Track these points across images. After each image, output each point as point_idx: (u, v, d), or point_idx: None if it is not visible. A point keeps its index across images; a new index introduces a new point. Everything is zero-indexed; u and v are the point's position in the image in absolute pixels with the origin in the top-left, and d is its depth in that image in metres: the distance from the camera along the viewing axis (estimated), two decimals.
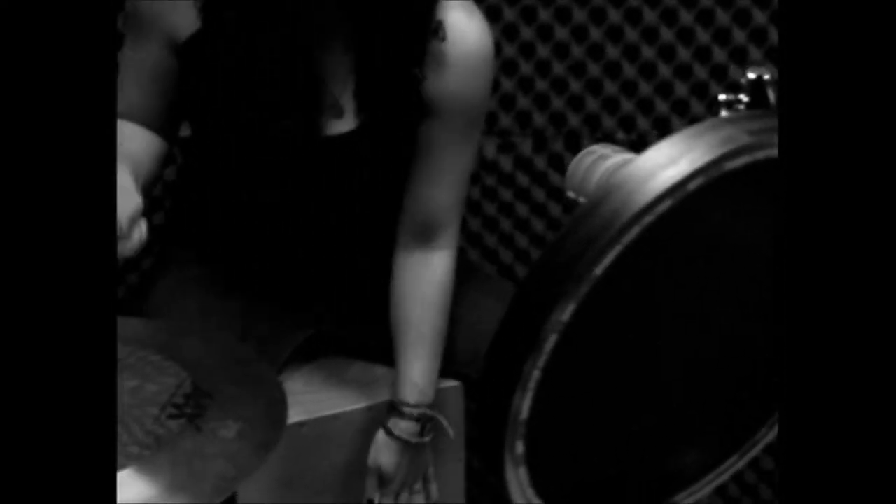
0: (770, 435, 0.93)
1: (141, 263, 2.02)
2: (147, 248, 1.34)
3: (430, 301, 1.51)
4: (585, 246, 0.64)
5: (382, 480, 1.49)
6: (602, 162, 0.89)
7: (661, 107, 1.98)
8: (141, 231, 1.29)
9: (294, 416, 1.53)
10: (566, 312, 0.65)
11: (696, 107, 1.96)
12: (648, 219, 0.66)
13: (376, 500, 1.48)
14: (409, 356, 1.51)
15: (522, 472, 0.74)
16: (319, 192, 1.52)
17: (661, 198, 0.64)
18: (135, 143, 1.42)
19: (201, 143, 1.58)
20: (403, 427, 1.49)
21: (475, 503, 1.81)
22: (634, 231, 0.66)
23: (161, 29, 1.41)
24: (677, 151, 0.65)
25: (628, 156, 0.89)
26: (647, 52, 1.96)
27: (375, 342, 1.65)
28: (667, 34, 1.94)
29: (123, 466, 0.89)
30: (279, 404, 1.03)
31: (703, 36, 1.93)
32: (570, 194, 0.92)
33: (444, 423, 1.52)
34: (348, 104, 1.43)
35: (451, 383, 1.60)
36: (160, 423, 0.96)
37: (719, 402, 0.87)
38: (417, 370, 1.50)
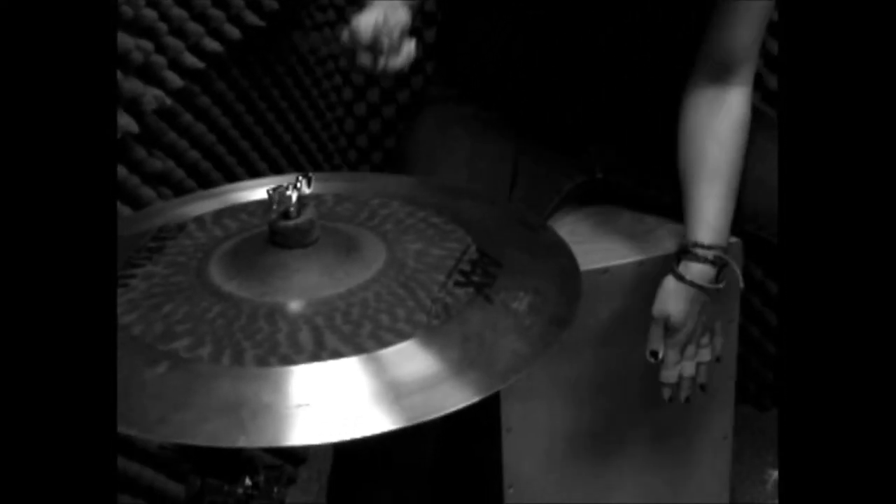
0: None
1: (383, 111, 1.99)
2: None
3: (727, 137, 1.38)
4: None
5: (669, 331, 1.38)
6: None
7: None
8: (409, 47, 1.25)
9: None
10: None
11: None
12: None
13: (661, 352, 1.38)
14: (704, 194, 1.38)
15: None
16: (599, 25, 1.42)
17: None
18: None
19: None
20: (696, 271, 1.36)
21: (744, 363, 1.71)
22: None
23: None
24: None
25: None
26: None
27: (651, 191, 1.55)
28: None
29: (410, 335, 0.84)
30: (572, 274, 0.95)
31: None
32: None
33: (737, 270, 1.40)
34: None
35: (731, 239, 1.47)
36: (447, 291, 0.90)
37: None
38: (712, 209, 1.37)
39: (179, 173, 1.48)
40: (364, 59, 1.24)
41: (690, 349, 1.38)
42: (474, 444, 1.59)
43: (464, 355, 0.83)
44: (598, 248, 1.52)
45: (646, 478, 1.62)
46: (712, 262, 1.35)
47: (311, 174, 0.93)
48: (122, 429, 0.77)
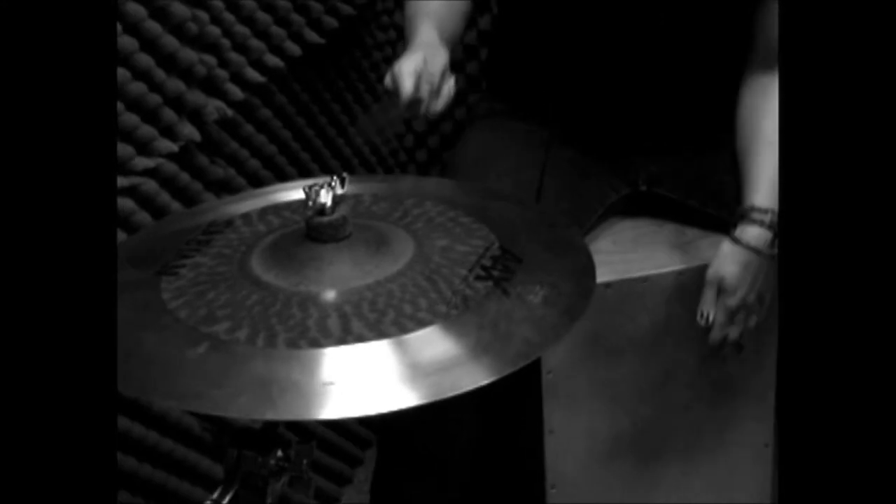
0: None
1: (440, 127, 2.06)
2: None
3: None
4: None
5: (721, 293, 1.42)
6: None
7: None
8: (449, 85, 1.31)
9: (600, 276, 1.51)
10: None
11: None
12: None
13: (711, 314, 1.41)
14: (759, 162, 1.42)
15: None
16: (644, 39, 1.47)
17: None
18: (438, 1, 1.42)
19: None
20: (752, 234, 1.39)
21: None
22: None
23: None
24: None
25: None
26: None
27: (693, 203, 1.59)
28: None
29: (430, 323, 0.91)
30: (588, 272, 1.01)
31: None
32: None
33: None
34: None
35: None
36: (468, 284, 0.97)
37: None
38: (767, 176, 1.41)
39: (240, 181, 1.57)
40: (408, 105, 1.29)
41: (741, 315, 1.42)
42: (517, 445, 1.64)
43: (478, 342, 0.90)
44: (639, 257, 1.57)
45: (687, 480, 1.66)
46: (768, 226, 1.39)
47: (345, 175, 1.00)
48: (163, 401, 0.85)
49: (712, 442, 1.65)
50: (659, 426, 1.62)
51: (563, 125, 1.59)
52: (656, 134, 1.59)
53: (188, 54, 1.39)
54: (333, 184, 0.99)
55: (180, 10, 1.36)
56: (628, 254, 1.58)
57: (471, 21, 1.95)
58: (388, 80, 1.28)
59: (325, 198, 0.98)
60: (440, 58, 1.30)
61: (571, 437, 1.59)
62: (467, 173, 1.55)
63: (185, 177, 1.43)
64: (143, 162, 1.34)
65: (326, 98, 1.86)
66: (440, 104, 1.29)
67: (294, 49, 1.66)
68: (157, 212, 1.36)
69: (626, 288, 1.53)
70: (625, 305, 1.54)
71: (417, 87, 1.24)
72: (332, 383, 0.86)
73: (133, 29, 1.30)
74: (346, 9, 1.81)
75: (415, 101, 1.24)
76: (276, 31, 1.62)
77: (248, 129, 1.61)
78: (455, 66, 1.99)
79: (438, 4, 1.45)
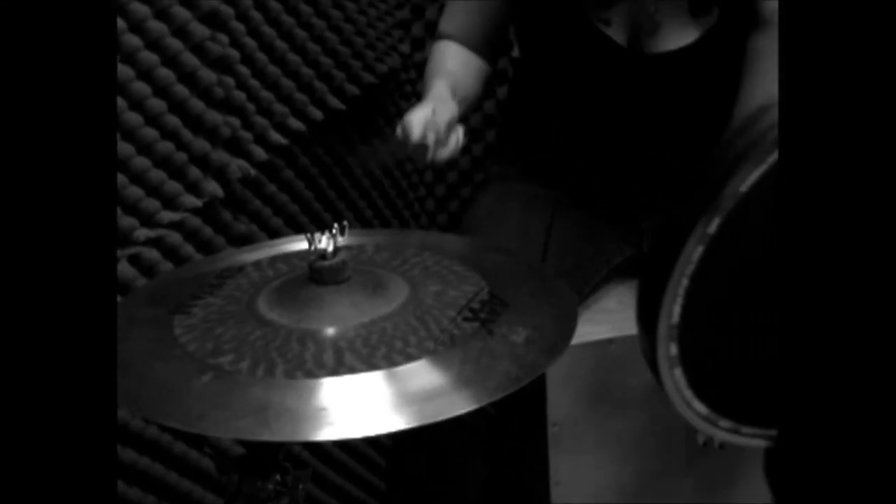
0: None
1: (447, 176, 2.16)
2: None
3: None
4: (734, 164, 0.68)
5: None
6: None
7: None
8: (458, 136, 1.40)
9: (604, 332, 1.58)
10: (712, 225, 0.69)
11: None
12: None
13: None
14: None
15: (678, 373, 0.77)
16: (648, 107, 1.54)
17: None
18: (455, 62, 1.52)
19: (529, 62, 1.66)
20: None
21: None
22: (774, 154, 0.68)
23: None
24: None
25: None
26: None
27: None
28: None
29: (418, 358, 0.99)
30: (570, 317, 1.08)
31: None
32: None
33: None
34: (682, 19, 1.43)
35: None
36: (456, 324, 1.04)
37: None
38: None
39: (262, 237, 1.66)
40: (415, 151, 1.38)
41: None
42: (524, 497, 1.70)
43: (461, 375, 0.97)
44: None
45: None
46: None
47: (345, 224, 1.09)
48: (168, 422, 0.93)
49: (717, 497, 1.68)
50: (664, 480, 1.66)
51: (570, 188, 1.68)
52: (660, 198, 1.66)
53: (214, 116, 1.50)
54: (334, 231, 1.08)
55: (207, 75, 1.47)
56: (631, 311, 1.63)
57: (490, 92, 2.06)
58: (399, 129, 1.37)
59: (326, 244, 1.07)
60: (448, 111, 1.39)
61: (577, 489, 1.63)
62: (477, 231, 1.63)
63: (208, 231, 1.53)
64: (168, 216, 1.44)
65: (349, 161, 1.96)
66: (445, 153, 1.37)
67: (316, 114, 1.76)
68: (181, 263, 1.45)
69: (629, 344, 1.59)
70: (628, 361, 1.59)
71: (424, 134, 1.33)
72: (324, 409, 0.93)
73: (163, 92, 1.40)
74: (368, 77, 1.91)
75: (420, 147, 1.32)
76: (300, 96, 1.72)
77: (271, 188, 1.70)
78: (475, 133, 2.11)
79: (455, 64, 1.55)
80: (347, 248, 1.16)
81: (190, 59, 1.44)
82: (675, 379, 0.79)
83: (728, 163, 0.69)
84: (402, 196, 2.14)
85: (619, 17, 1.45)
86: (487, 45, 1.57)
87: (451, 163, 1.98)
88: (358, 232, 1.29)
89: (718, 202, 0.69)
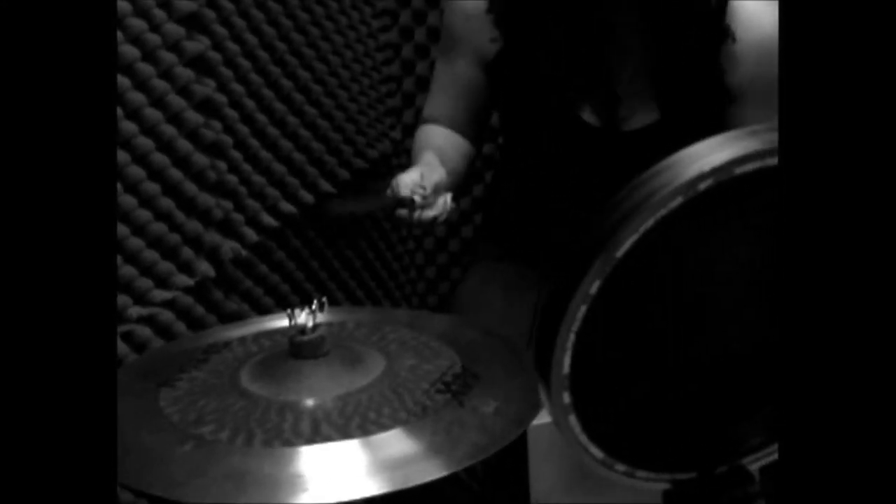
0: None
1: (437, 258, 2.21)
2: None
3: None
4: (611, 231, 0.76)
5: None
6: None
7: None
8: (445, 200, 1.45)
9: None
10: (593, 287, 0.77)
11: None
12: (662, 212, 0.76)
13: None
14: None
15: (572, 419, 0.83)
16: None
17: (673, 194, 0.76)
18: (441, 140, 1.59)
19: (511, 145, 1.72)
20: None
21: None
22: (649, 222, 0.76)
23: (470, 47, 1.56)
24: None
25: None
26: None
27: None
28: None
29: (391, 427, 1.03)
30: (537, 388, 1.13)
31: None
32: None
33: None
34: (648, 99, 1.50)
35: None
36: (428, 396, 1.09)
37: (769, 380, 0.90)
38: None
39: (253, 316, 1.71)
40: (401, 211, 1.45)
41: None
42: None
43: (431, 444, 1.02)
44: None
45: None
46: None
47: (324, 300, 1.14)
48: (149, 490, 0.98)
49: None
50: None
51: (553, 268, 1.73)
52: None
53: (207, 199, 1.56)
54: (314, 307, 1.13)
55: (200, 160, 1.53)
56: None
57: (479, 176, 2.13)
58: (388, 191, 1.43)
59: (306, 319, 1.12)
60: (436, 174, 1.45)
61: None
62: (463, 312, 1.69)
63: (200, 309, 1.58)
64: (160, 294, 1.49)
65: (340, 243, 2.02)
66: (431, 213, 1.43)
67: (308, 197, 1.83)
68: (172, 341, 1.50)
69: None
70: None
71: (412, 195, 1.39)
72: (300, 476, 0.98)
73: (157, 176, 1.47)
74: (359, 162, 1.98)
75: (408, 202, 1.38)
76: (291, 180, 1.79)
77: (263, 268, 1.76)
78: (464, 215, 2.17)
79: (441, 141, 1.62)
80: (329, 324, 1.22)
81: (184, 145, 1.51)
82: (571, 425, 0.86)
83: (606, 230, 0.77)
84: (393, 277, 2.19)
85: (594, 102, 1.51)
86: (471, 129, 1.64)
87: (441, 245, 2.04)
88: (341, 309, 1.35)
89: (598, 266, 0.77)
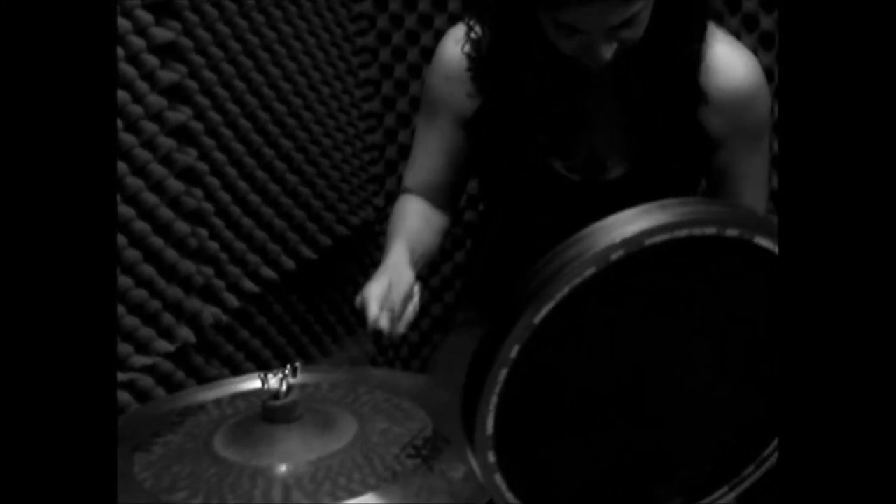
0: (757, 473, 0.95)
1: (420, 323, 2.23)
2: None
3: None
4: (530, 298, 0.81)
5: None
6: None
7: None
8: (414, 305, 1.45)
9: None
10: (513, 351, 0.82)
11: None
12: (576, 281, 0.81)
13: None
14: None
15: (498, 478, 0.87)
16: None
17: (586, 264, 0.81)
18: (415, 219, 1.61)
19: (490, 205, 1.75)
20: None
21: None
22: (565, 290, 0.81)
23: (450, 107, 1.60)
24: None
25: None
26: None
27: None
28: None
29: (362, 493, 1.05)
30: None
31: None
32: None
33: None
34: (622, 150, 1.53)
35: None
36: (399, 461, 1.11)
37: (699, 440, 0.93)
38: None
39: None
40: (373, 327, 1.42)
41: None
42: None
43: None
44: None
45: None
46: None
47: (297, 365, 1.16)
48: None
49: None
50: None
51: None
52: None
53: (187, 266, 1.58)
54: (287, 372, 1.15)
55: (181, 227, 1.56)
56: None
57: (460, 243, 2.16)
58: (358, 301, 1.43)
59: (279, 384, 1.14)
60: (405, 281, 1.44)
61: None
62: (440, 374, 1.70)
63: (180, 374, 1.59)
64: (141, 360, 1.51)
65: (323, 309, 2.04)
66: (401, 328, 1.42)
67: (289, 263, 1.85)
68: None
69: None
70: None
71: (380, 314, 1.37)
72: None
73: (139, 243, 1.49)
74: (341, 230, 2.01)
75: (378, 326, 1.37)
76: (273, 247, 1.82)
77: (244, 333, 1.78)
78: (445, 282, 2.19)
79: (416, 221, 1.64)
80: (303, 386, 1.24)
81: (165, 213, 1.53)
82: (497, 484, 0.88)
83: (524, 297, 0.81)
84: (376, 342, 2.21)
85: (570, 156, 1.55)
86: (449, 194, 1.67)
87: (424, 310, 2.05)
88: (317, 369, 1.36)
89: (516, 332, 0.81)
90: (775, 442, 0.94)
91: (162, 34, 1.52)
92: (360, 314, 1.39)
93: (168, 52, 1.54)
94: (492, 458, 0.86)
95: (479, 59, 1.53)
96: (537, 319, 0.80)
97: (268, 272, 1.80)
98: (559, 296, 0.80)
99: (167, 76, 1.53)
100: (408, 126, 2.15)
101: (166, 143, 1.53)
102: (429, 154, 1.68)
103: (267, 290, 1.81)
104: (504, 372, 0.82)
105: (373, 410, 1.22)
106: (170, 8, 1.55)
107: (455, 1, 2.04)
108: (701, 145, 1.51)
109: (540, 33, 1.41)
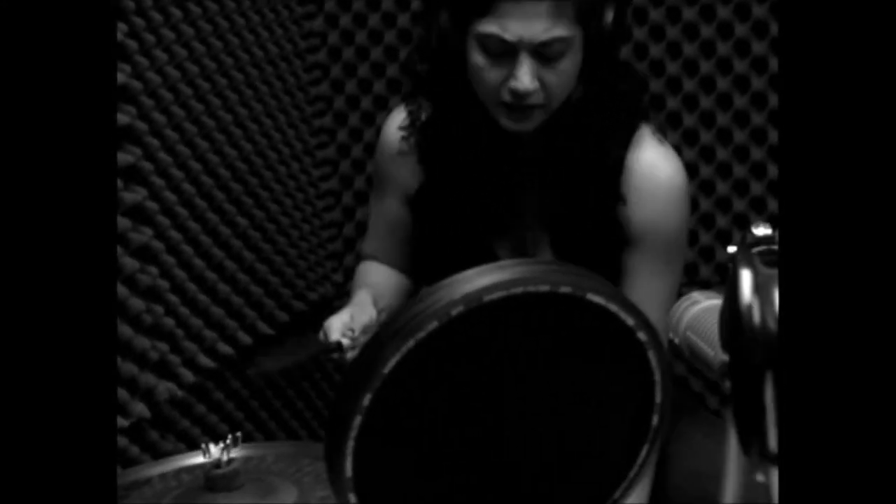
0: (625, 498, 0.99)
1: None
2: None
3: None
4: (380, 348, 0.87)
5: None
6: (692, 307, 1.00)
7: None
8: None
9: None
10: (365, 399, 0.87)
11: None
12: (420, 335, 0.87)
13: None
14: None
15: None
16: None
17: (429, 318, 0.86)
18: (377, 277, 1.66)
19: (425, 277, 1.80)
20: None
21: None
22: (410, 343, 0.87)
23: (397, 184, 1.65)
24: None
25: (714, 302, 0.99)
26: None
27: None
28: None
29: None
30: None
31: None
32: (670, 335, 1.03)
33: None
34: (544, 240, 1.59)
35: None
36: None
37: (559, 477, 0.98)
38: None
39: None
40: (332, 355, 1.49)
41: None
42: None
43: None
44: None
45: None
46: None
47: (238, 435, 1.20)
48: None
49: None
50: None
51: None
52: None
53: (142, 341, 1.62)
54: (228, 442, 1.18)
55: (136, 304, 1.60)
56: None
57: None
58: (321, 334, 1.48)
59: (220, 453, 1.17)
60: (366, 315, 1.50)
61: None
62: None
63: (134, 450, 1.62)
64: None
65: (282, 384, 2.07)
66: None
67: (246, 339, 1.89)
68: None
69: None
70: None
71: (342, 338, 1.43)
72: None
73: None
74: (299, 305, 2.05)
75: (335, 347, 1.42)
76: (230, 323, 1.85)
77: (201, 408, 1.80)
78: None
79: (378, 278, 1.68)
80: (247, 458, 1.27)
81: (120, 290, 1.57)
82: None
83: (375, 348, 0.88)
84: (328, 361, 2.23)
85: (503, 238, 1.60)
86: (405, 263, 1.72)
87: None
88: (261, 444, 1.40)
89: (367, 382, 0.87)
90: (637, 466, 0.99)
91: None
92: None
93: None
94: (353, 499, 0.91)
95: (417, 137, 1.60)
96: (386, 369, 0.86)
97: (224, 348, 1.83)
98: (405, 348, 0.86)
99: (121, 158, 1.58)
100: (365, 203, 2.21)
101: (122, 222, 1.58)
102: (380, 229, 1.73)
103: (224, 366, 1.84)
104: (358, 419, 0.87)
105: (314, 480, 1.24)
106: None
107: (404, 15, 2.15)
108: (619, 240, 1.57)
109: (475, 106, 1.47)
